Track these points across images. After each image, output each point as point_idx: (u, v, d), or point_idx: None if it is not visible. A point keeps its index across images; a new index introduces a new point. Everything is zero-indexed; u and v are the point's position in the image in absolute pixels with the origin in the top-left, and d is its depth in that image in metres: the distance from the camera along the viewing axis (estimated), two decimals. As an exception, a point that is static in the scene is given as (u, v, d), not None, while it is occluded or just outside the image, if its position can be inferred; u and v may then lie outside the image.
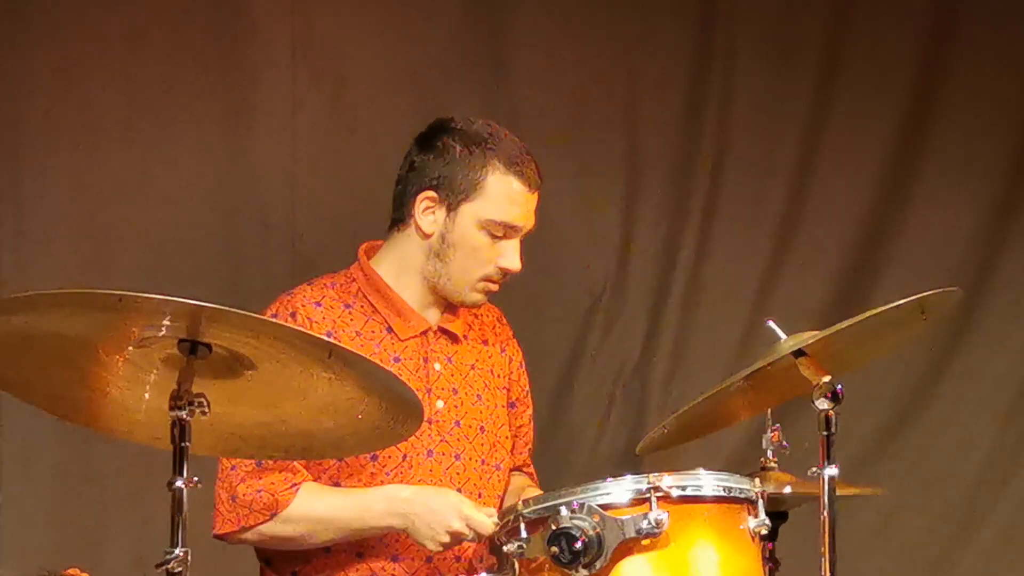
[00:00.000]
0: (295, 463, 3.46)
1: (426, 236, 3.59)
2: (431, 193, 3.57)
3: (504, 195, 3.55)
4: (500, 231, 3.56)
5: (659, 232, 4.86)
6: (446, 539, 3.39)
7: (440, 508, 3.40)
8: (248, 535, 3.48)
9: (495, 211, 3.55)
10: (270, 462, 3.43)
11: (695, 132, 4.89)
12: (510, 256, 3.57)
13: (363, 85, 4.67)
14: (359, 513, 3.47)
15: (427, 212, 3.58)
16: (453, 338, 3.67)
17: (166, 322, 2.74)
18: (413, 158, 3.61)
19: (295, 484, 3.46)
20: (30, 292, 2.68)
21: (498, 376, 3.73)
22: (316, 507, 3.47)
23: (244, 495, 3.45)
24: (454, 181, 3.55)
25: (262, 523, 3.46)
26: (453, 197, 3.55)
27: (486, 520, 3.36)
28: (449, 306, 3.66)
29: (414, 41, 4.71)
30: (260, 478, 3.45)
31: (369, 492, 3.49)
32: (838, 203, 4.93)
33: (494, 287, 3.61)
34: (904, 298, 3.16)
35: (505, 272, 3.58)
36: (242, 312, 2.74)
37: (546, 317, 4.69)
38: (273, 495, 3.45)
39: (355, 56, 4.67)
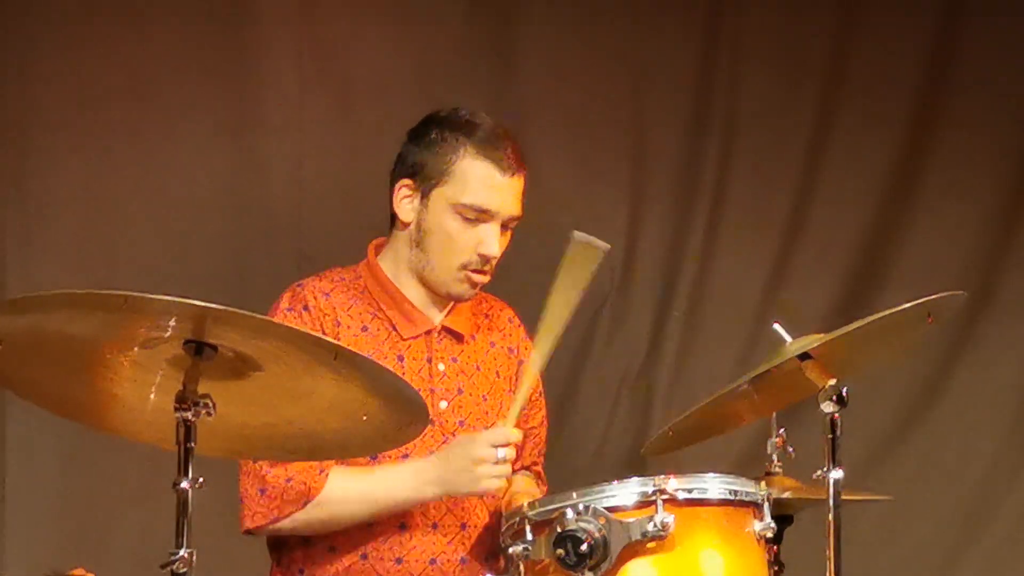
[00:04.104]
0: None
1: (405, 225, 3.61)
2: (407, 181, 3.60)
3: (474, 178, 3.54)
4: (472, 214, 3.55)
5: (665, 234, 4.86)
6: (484, 468, 3.39)
7: (459, 452, 3.42)
8: (281, 524, 3.49)
9: (465, 194, 3.54)
10: None
11: (701, 135, 4.89)
12: (488, 241, 3.55)
13: (369, 86, 4.67)
14: (390, 492, 3.49)
15: (405, 200, 3.60)
16: (458, 338, 3.67)
17: (172, 323, 2.74)
18: (400, 150, 3.64)
19: (323, 470, 3.47)
20: (36, 293, 2.68)
21: (504, 378, 3.73)
22: (348, 491, 3.49)
23: (274, 486, 3.46)
24: (427, 167, 3.57)
25: (296, 512, 3.47)
26: (426, 183, 3.57)
27: (503, 430, 3.40)
28: (454, 305, 3.66)
29: (420, 41, 4.71)
30: (287, 467, 3.45)
31: (397, 468, 3.49)
32: (844, 207, 4.93)
33: (479, 277, 3.60)
34: (910, 302, 3.16)
35: (485, 258, 3.57)
36: (248, 313, 2.74)
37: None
38: (304, 483, 3.46)
39: (361, 57, 4.67)
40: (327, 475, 3.47)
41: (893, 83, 4.96)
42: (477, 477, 3.41)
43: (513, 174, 3.58)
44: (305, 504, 3.46)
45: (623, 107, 4.90)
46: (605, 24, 4.88)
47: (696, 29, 4.94)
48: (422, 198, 3.58)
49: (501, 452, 3.40)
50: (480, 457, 3.40)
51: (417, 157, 3.59)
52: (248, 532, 3.52)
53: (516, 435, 3.44)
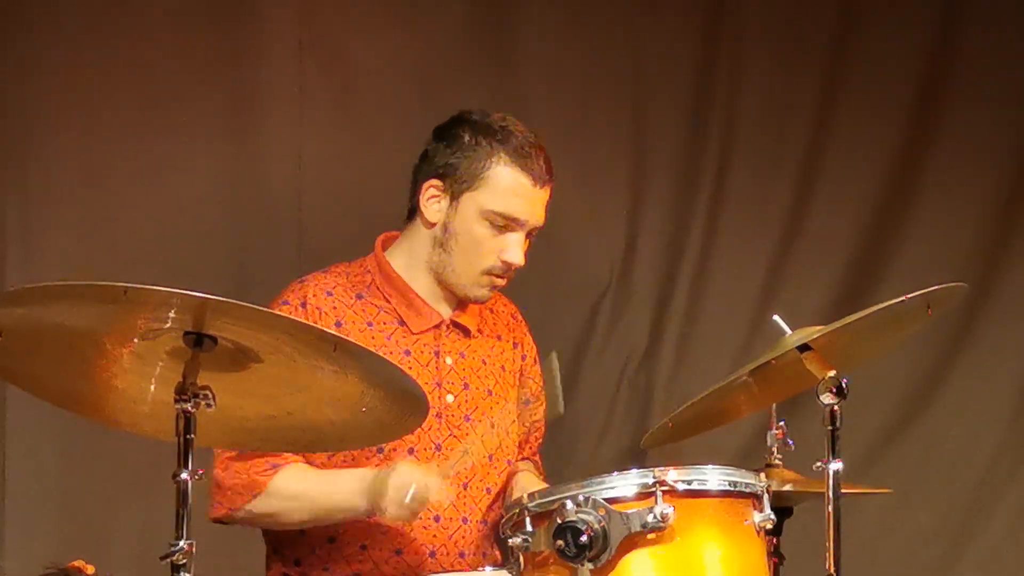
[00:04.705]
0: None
1: (430, 225, 3.60)
2: (436, 181, 3.59)
3: (506, 186, 3.55)
4: (501, 222, 3.56)
5: (665, 227, 4.86)
6: (408, 502, 3.35)
7: (396, 481, 3.37)
8: (239, 515, 3.51)
9: (496, 202, 3.55)
10: None
11: (702, 127, 4.89)
12: (512, 249, 3.57)
13: (370, 79, 4.68)
14: (329, 490, 3.49)
15: (432, 200, 3.60)
16: (465, 332, 3.68)
17: (172, 314, 2.75)
18: (427, 147, 3.64)
19: (276, 465, 3.48)
20: (36, 284, 2.68)
21: (510, 372, 3.74)
22: (291, 485, 3.49)
23: (228, 480, 3.49)
24: (459, 170, 3.57)
25: (246, 503, 3.49)
26: (457, 186, 3.57)
27: (438, 487, 3.36)
28: (461, 299, 3.67)
29: (421, 34, 4.71)
30: (244, 461, 3.47)
31: (344, 473, 3.50)
32: (844, 198, 4.93)
33: (499, 282, 3.62)
34: (910, 293, 3.16)
35: (508, 266, 3.58)
36: (248, 305, 2.75)
37: (552, 311, 4.67)
38: (252, 477, 3.48)
39: (362, 50, 4.67)
40: (278, 469, 3.48)
41: (893, 78, 4.96)
42: (403, 506, 3.35)
43: (544, 185, 3.59)
44: (254, 496, 3.48)
45: (623, 107, 4.90)
46: (605, 24, 4.88)
47: (696, 29, 4.94)
48: (451, 200, 3.58)
49: (407, 497, 3.35)
50: (400, 485, 3.35)
51: (448, 159, 3.59)
52: (214, 520, 3.53)
53: (444, 497, 3.41)
